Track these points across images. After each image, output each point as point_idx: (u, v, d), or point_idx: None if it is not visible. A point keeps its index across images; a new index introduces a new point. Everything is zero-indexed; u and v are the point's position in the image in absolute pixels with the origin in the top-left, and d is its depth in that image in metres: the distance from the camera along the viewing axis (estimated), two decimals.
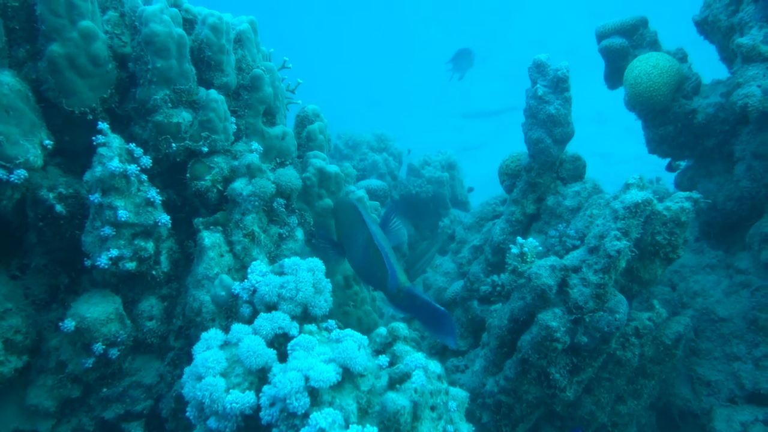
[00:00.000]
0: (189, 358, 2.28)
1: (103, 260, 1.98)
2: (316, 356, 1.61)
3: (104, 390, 2.19)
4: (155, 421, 2.28)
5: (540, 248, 2.73)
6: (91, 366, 2.06)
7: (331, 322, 1.93)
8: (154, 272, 2.17)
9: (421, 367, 1.73)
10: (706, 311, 3.17)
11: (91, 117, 2.04)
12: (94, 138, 1.93)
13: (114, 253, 1.99)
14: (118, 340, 2.10)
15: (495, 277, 3.02)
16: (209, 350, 1.67)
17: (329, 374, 1.53)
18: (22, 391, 2.11)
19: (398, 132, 7.74)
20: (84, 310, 2.03)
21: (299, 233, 2.34)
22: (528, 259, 2.73)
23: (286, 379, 1.52)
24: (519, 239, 2.77)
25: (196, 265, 2.16)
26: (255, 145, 2.31)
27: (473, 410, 2.88)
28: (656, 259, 2.70)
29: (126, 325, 2.14)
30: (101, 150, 1.93)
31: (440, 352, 3.59)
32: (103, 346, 2.06)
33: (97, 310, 2.04)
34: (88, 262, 2.02)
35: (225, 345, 1.73)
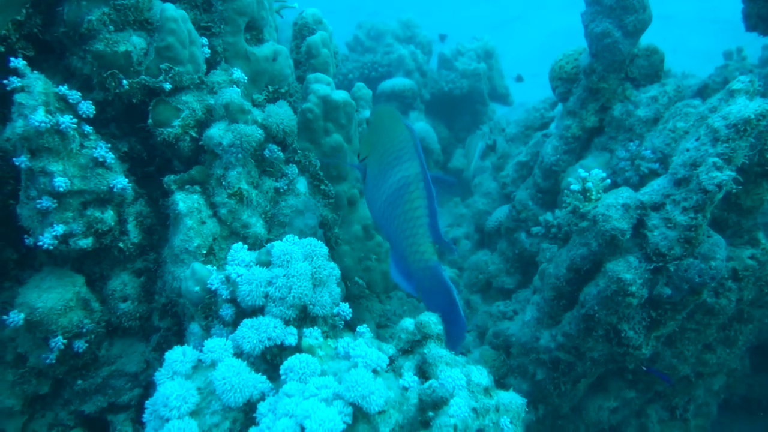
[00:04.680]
0: (179, 340, 1.90)
1: (46, 239, 1.53)
2: (316, 390, 1.17)
3: (79, 382, 1.83)
4: None
5: (608, 181, 2.17)
6: (54, 361, 1.68)
7: (344, 308, 1.47)
8: (121, 245, 1.73)
9: (462, 386, 1.29)
10: None
11: (3, 48, 1.50)
12: (6, 81, 1.41)
13: (60, 229, 1.54)
14: (84, 330, 1.70)
15: (549, 216, 2.50)
16: (175, 379, 1.24)
17: (332, 424, 1.10)
18: None
19: (424, 11, 6.80)
20: (34, 299, 1.61)
21: (301, 185, 1.83)
22: (593, 196, 2.19)
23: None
24: (581, 171, 2.21)
25: (173, 235, 1.70)
26: (237, 73, 1.76)
27: (525, 365, 2.48)
28: (764, 182, 2.11)
29: (93, 310, 1.73)
30: (19, 97, 1.41)
31: (483, 290, 3.16)
32: (65, 340, 1.66)
33: (51, 298, 1.63)
34: (29, 240, 1.57)
35: (198, 366, 1.30)
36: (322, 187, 2.02)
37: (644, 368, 2.43)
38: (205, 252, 1.67)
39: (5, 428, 1.79)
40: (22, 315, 1.58)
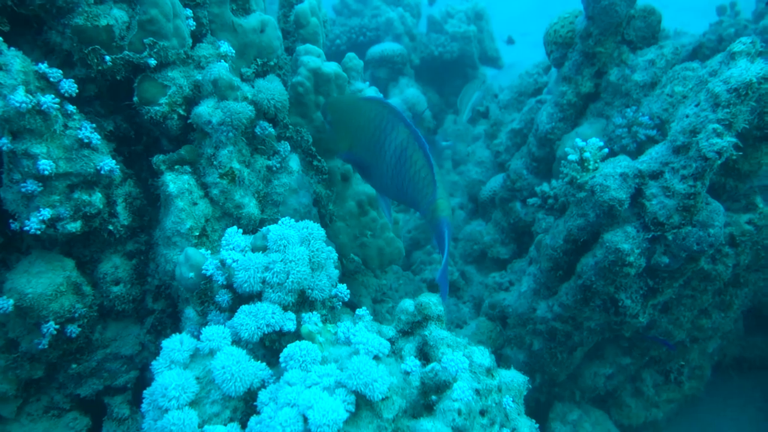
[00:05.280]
0: (174, 322, 1.87)
1: (33, 224, 1.48)
2: (318, 379, 1.14)
3: (74, 366, 1.80)
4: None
5: (606, 150, 2.13)
6: (47, 346, 1.65)
7: (342, 289, 1.44)
8: (111, 227, 1.67)
9: (465, 369, 1.28)
10: None
11: None
12: None
13: (47, 213, 1.49)
14: (76, 315, 1.66)
15: (545, 187, 2.46)
16: (173, 368, 1.21)
17: (335, 414, 1.07)
18: None
19: None
20: (23, 284, 1.56)
21: (293, 162, 1.78)
22: (590, 166, 2.15)
23: (276, 423, 1.07)
24: (578, 141, 2.16)
25: (164, 217, 1.65)
26: (225, 47, 1.69)
27: (522, 336, 2.49)
28: (763, 145, 2.07)
29: (85, 294, 1.69)
30: None
31: (478, 260, 3.14)
32: (57, 325, 1.62)
33: (40, 284, 1.58)
34: (15, 225, 1.52)
35: (196, 355, 1.27)
36: (315, 162, 1.96)
37: (644, 335, 2.44)
38: (197, 234, 1.63)
39: (0, 413, 1.77)
40: (11, 301, 1.54)
